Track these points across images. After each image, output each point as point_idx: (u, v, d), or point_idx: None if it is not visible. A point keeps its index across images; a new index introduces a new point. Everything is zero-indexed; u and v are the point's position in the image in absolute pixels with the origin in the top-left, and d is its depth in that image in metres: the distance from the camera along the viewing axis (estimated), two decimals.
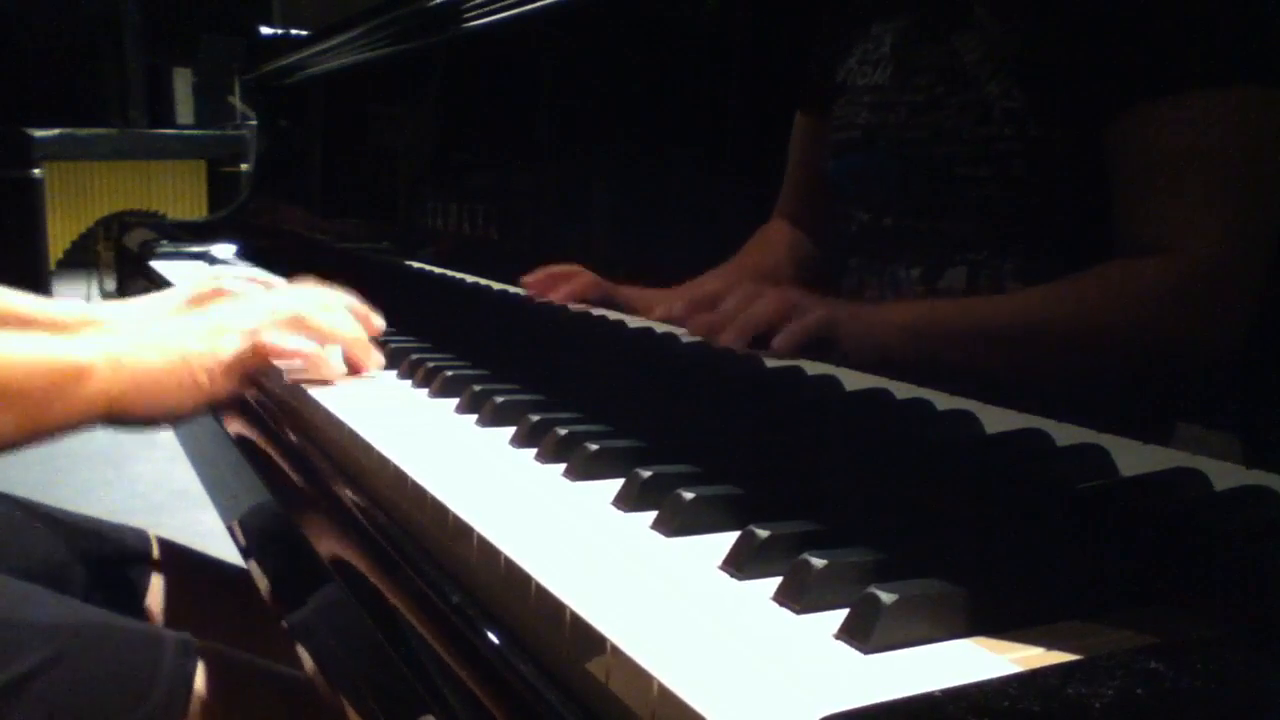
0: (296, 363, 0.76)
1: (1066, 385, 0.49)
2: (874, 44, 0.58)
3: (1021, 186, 0.50)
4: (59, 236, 4.76)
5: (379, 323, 0.82)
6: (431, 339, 0.88)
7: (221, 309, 0.84)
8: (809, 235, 0.64)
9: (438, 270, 1.15)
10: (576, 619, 0.38)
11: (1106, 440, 0.46)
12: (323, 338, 0.76)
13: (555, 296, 0.85)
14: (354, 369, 0.79)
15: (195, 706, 0.70)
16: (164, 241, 1.86)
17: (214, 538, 1.17)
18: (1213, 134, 0.44)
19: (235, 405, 0.81)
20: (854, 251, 0.59)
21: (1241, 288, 0.43)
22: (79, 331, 0.90)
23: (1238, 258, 0.43)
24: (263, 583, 0.77)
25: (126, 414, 0.69)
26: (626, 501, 0.49)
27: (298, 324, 0.76)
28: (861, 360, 0.58)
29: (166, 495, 2.59)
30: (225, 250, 1.78)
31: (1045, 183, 0.49)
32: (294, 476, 0.68)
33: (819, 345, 0.59)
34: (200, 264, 1.66)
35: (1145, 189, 0.46)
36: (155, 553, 1.01)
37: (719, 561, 0.43)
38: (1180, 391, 0.44)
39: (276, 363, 0.77)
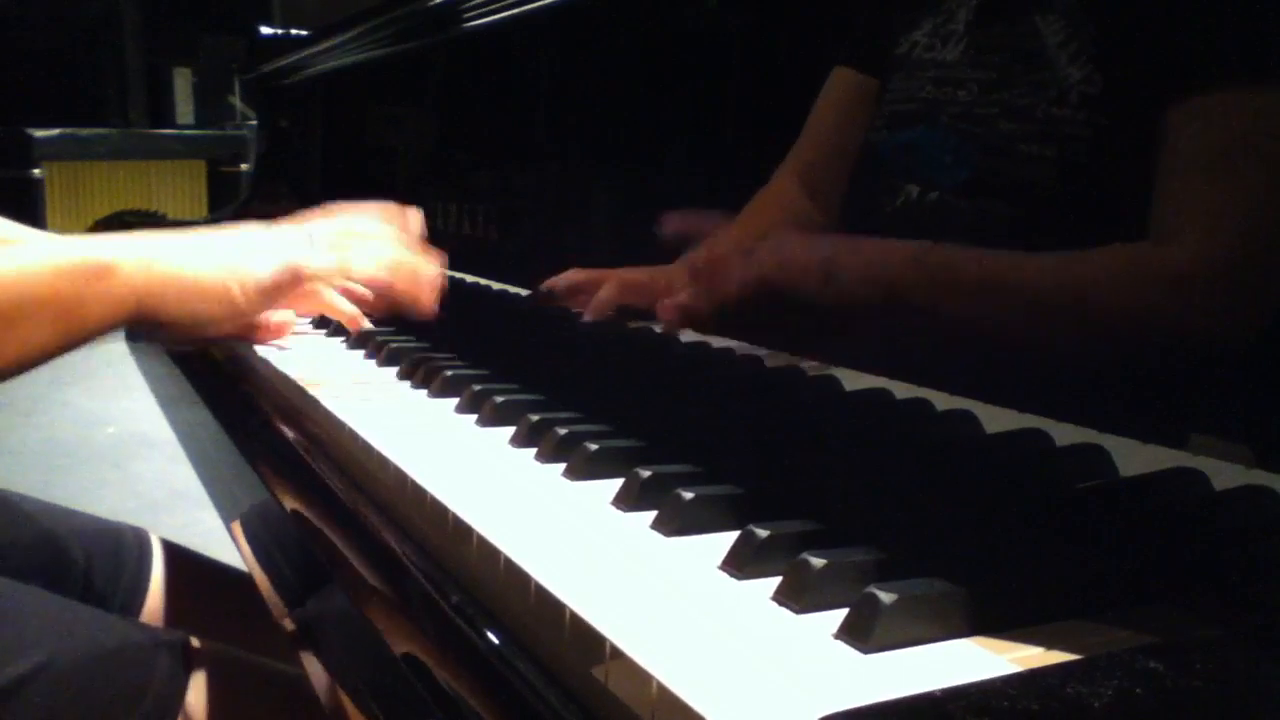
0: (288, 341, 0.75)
1: (1070, 373, 0.48)
2: (946, 19, 0.58)
3: (1084, 174, 0.49)
4: None
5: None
6: (431, 339, 0.88)
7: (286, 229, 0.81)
8: (817, 198, 0.63)
9: None
10: (576, 619, 0.38)
11: (1106, 440, 0.46)
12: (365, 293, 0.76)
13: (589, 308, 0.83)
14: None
15: (194, 708, 0.70)
16: None
17: (214, 538, 1.17)
18: (1242, 132, 0.43)
19: (235, 404, 0.81)
20: (890, 227, 0.58)
21: (1246, 288, 0.43)
22: None
23: (1245, 258, 0.43)
24: (263, 583, 0.77)
25: (156, 315, 0.67)
26: (626, 501, 0.49)
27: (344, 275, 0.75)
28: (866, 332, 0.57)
29: (166, 495, 2.59)
30: None
31: (1109, 172, 0.49)
32: (294, 476, 0.68)
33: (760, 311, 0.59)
34: None
35: (1172, 185, 0.46)
36: (156, 552, 1.01)
37: (719, 561, 0.43)
38: (1181, 391, 0.44)
39: (266, 353, 0.77)
